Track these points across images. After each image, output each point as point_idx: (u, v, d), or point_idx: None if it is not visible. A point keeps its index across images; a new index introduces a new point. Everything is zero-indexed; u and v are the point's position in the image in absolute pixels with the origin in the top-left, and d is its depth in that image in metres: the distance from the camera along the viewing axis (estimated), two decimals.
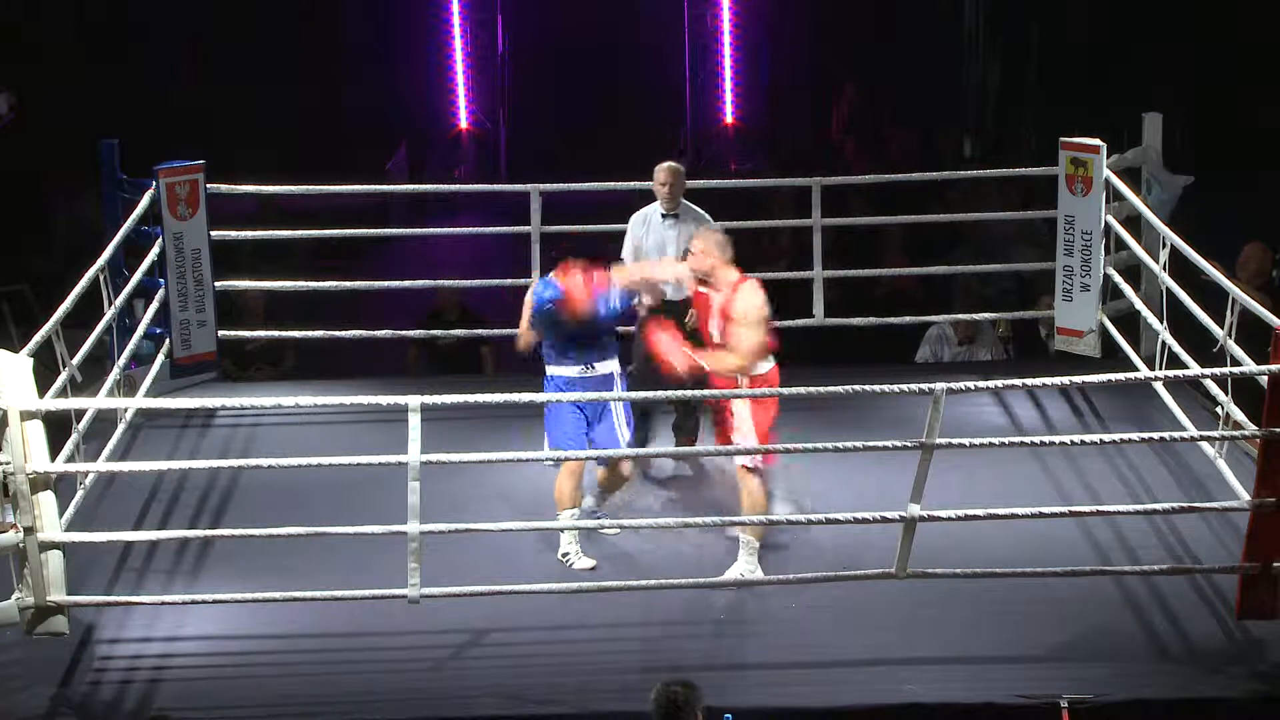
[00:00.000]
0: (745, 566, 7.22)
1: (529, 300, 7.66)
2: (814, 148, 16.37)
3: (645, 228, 8.57)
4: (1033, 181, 11.67)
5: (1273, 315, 7.12)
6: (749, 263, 9.02)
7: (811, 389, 7.14)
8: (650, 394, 7.65)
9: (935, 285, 11.45)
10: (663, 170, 8.57)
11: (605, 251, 8.30)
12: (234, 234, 9.90)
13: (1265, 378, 6.54)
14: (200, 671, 6.67)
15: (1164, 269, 8.70)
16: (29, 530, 6.41)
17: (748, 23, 17.77)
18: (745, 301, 7.27)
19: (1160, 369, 8.46)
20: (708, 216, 8.62)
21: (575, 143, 16.98)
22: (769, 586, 7.03)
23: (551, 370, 7.54)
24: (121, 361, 8.58)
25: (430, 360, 10.94)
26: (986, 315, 10.40)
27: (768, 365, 7.39)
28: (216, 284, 9.50)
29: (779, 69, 17.65)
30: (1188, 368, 8.03)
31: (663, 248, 8.51)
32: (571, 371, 7.49)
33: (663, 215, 8.55)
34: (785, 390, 7.62)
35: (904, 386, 6.96)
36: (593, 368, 7.50)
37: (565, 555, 7.36)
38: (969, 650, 6.69)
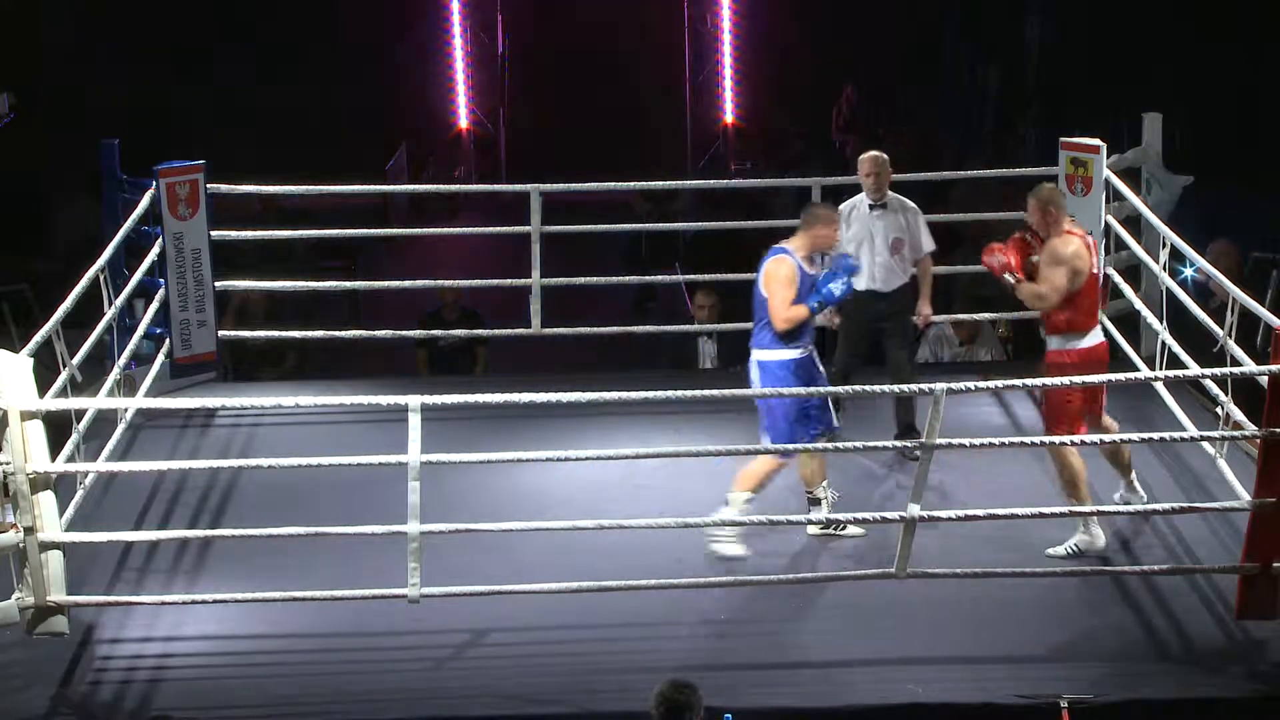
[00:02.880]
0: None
1: (787, 273, 7.40)
2: (814, 148, 16.37)
3: (850, 218, 8.53)
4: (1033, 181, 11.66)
5: (1272, 315, 7.13)
6: (749, 263, 9.06)
7: (811, 389, 7.13)
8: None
9: (936, 285, 11.43)
10: (868, 160, 8.58)
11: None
12: (234, 234, 9.91)
13: (1265, 378, 6.55)
14: (200, 671, 6.67)
15: (1164, 269, 8.71)
16: (29, 530, 6.41)
17: (748, 23, 17.78)
18: (1054, 246, 7.37)
19: (1160, 369, 8.47)
20: (914, 206, 8.65)
21: (575, 143, 16.99)
22: (769, 586, 7.02)
23: (772, 355, 7.44)
24: (121, 361, 8.58)
25: (430, 361, 10.94)
26: (986, 315, 10.39)
27: (1088, 339, 7.45)
28: (216, 284, 9.50)
29: (779, 69, 17.65)
30: (1188, 368, 8.04)
31: (869, 238, 8.51)
32: (796, 353, 7.45)
33: (870, 206, 8.55)
34: (785, 390, 7.63)
35: (904, 386, 6.96)
36: (810, 346, 7.52)
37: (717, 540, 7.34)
38: (969, 650, 6.69)
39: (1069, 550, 7.35)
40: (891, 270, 8.54)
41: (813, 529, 7.53)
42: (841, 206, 8.53)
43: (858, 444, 7.60)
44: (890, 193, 8.59)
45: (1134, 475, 7.75)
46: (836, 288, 7.37)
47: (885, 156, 8.62)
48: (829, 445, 7.51)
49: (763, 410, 7.50)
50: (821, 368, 7.66)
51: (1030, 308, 7.60)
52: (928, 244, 8.67)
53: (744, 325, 9.90)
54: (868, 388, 7.25)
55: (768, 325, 7.44)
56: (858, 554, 7.30)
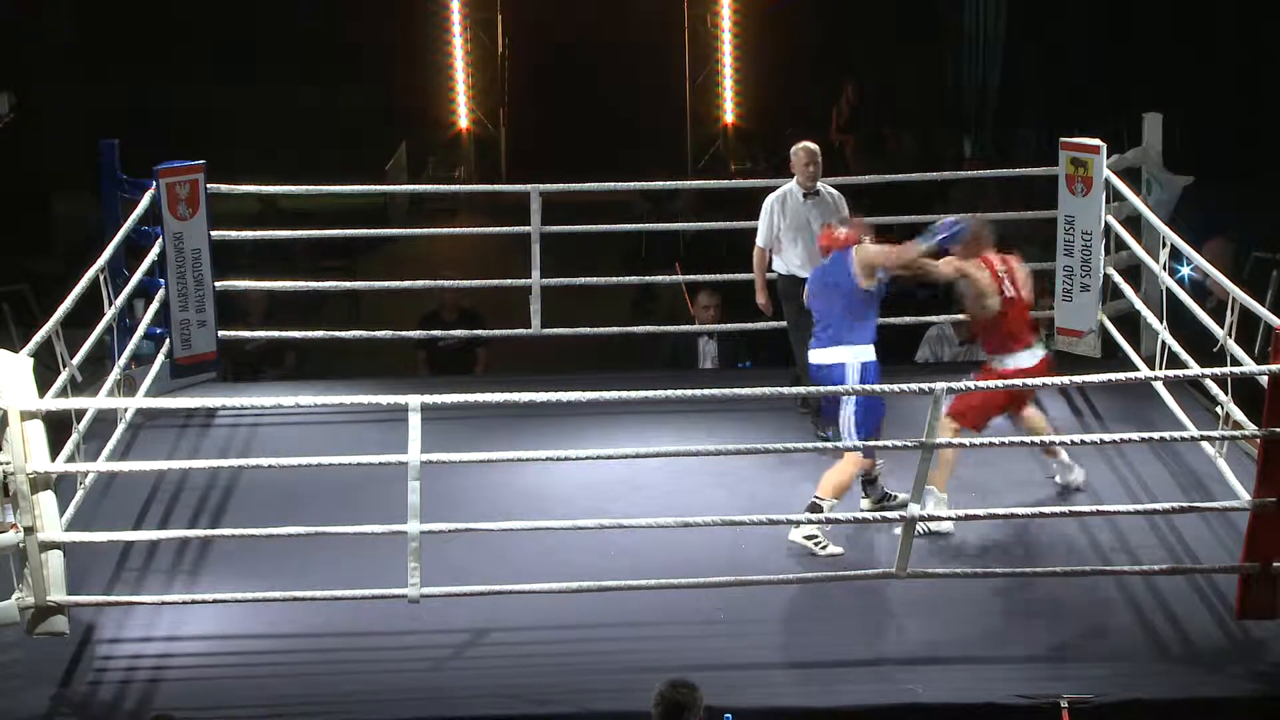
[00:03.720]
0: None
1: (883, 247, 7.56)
2: None
3: (782, 208, 8.71)
4: (1033, 181, 11.66)
5: (1272, 315, 7.13)
6: (747, 264, 9.07)
7: (812, 389, 7.13)
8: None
9: (936, 285, 11.43)
10: (806, 151, 8.75)
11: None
12: (234, 234, 9.91)
13: (1265, 378, 6.55)
14: (200, 671, 6.67)
15: (1164, 269, 8.71)
16: (29, 530, 6.41)
17: (748, 23, 17.77)
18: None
19: (1160, 369, 8.46)
20: (839, 193, 8.84)
21: (575, 143, 16.98)
22: (769, 586, 7.02)
23: (870, 353, 7.51)
24: (121, 361, 8.58)
25: (430, 361, 10.95)
26: None
27: (1020, 359, 7.70)
28: (216, 284, 9.50)
29: (779, 69, 17.64)
30: (1188, 368, 8.03)
31: (805, 226, 8.66)
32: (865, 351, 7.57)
33: (805, 194, 8.70)
34: (786, 390, 7.64)
35: (904, 386, 6.97)
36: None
37: (814, 538, 7.37)
38: (969, 650, 6.68)
39: (926, 529, 7.42)
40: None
41: (795, 535, 7.45)
42: (771, 198, 8.75)
43: (857, 443, 7.60)
44: (818, 182, 8.78)
45: (1064, 455, 7.95)
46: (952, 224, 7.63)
47: (818, 147, 8.85)
48: (827, 445, 7.52)
49: (855, 413, 7.43)
50: None
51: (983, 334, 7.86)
52: None
53: (744, 325, 9.99)
54: (868, 387, 7.23)
55: (861, 318, 7.50)
56: (857, 554, 7.29)
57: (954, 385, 6.65)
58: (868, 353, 7.51)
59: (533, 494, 7.94)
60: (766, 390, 8.14)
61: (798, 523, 7.38)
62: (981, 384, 7.02)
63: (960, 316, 10.37)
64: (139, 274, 8.90)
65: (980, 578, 6.95)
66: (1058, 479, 7.98)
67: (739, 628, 6.90)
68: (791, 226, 8.72)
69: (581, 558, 7.26)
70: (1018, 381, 7.27)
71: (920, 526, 7.25)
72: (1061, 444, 7.97)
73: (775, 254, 8.81)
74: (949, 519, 7.17)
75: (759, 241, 8.83)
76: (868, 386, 7.34)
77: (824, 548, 7.38)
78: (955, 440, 7.36)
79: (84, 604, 6.79)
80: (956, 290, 7.88)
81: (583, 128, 17.36)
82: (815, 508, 7.38)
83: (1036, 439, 7.85)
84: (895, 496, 7.72)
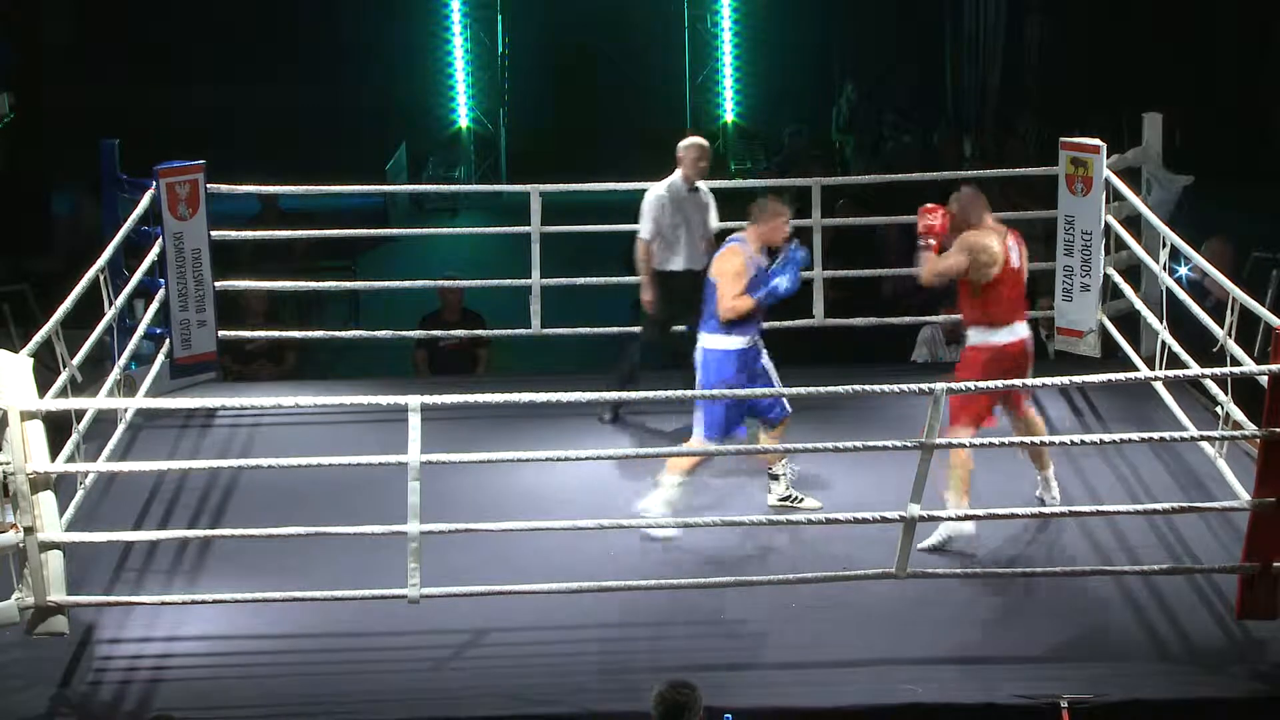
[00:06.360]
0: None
1: (738, 266, 7.58)
2: (814, 148, 16.37)
3: (669, 203, 8.79)
4: (1033, 181, 11.67)
5: (1272, 315, 7.13)
6: None
7: (812, 389, 7.14)
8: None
9: (936, 286, 11.43)
10: (697, 145, 8.87)
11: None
12: (234, 234, 9.90)
13: (1265, 378, 6.55)
14: (200, 671, 6.67)
15: (1164, 269, 8.71)
16: (29, 530, 6.41)
17: (748, 23, 17.78)
18: (965, 235, 7.58)
19: (1160, 369, 8.46)
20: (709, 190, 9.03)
21: (575, 143, 16.98)
22: (768, 586, 7.03)
23: (717, 343, 7.61)
24: (121, 361, 8.58)
25: (430, 361, 10.94)
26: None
27: (1004, 334, 7.60)
28: (216, 284, 9.50)
29: (779, 69, 17.65)
30: (1188, 368, 8.04)
31: (687, 221, 8.80)
32: (741, 342, 7.63)
33: (690, 189, 8.81)
34: (786, 390, 7.64)
35: (904, 386, 6.97)
36: (756, 338, 7.70)
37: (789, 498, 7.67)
38: (969, 650, 6.68)
39: (938, 541, 7.40)
40: (705, 250, 8.72)
41: (772, 499, 7.80)
42: (651, 196, 8.85)
43: (857, 443, 7.60)
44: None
45: (1051, 472, 7.85)
46: (784, 281, 7.58)
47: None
48: (829, 445, 7.52)
49: (704, 404, 7.63)
50: (766, 359, 7.80)
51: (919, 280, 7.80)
52: (715, 225, 9.02)
53: None
54: (867, 387, 7.23)
55: (715, 315, 7.60)
56: (857, 554, 7.29)
57: (954, 385, 6.64)
58: (710, 343, 7.62)
59: (532, 494, 7.94)
60: (766, 390, 8.12)
61: (796, 523, 7.40)
62: (982, 384, 7.02)
63: (956, 317, 10.41)
64: (139, 274, 8.90)
65: (980, 578, 6.95)
66: (1038, 493, 7.89)
67: (739, 628, 6.90)
68: (678, 221, 8.84)
69: (581, 558, 7.26)
70: (1017, 382, 7.26)
71: (938, 538, 7.36)
72: (1061, 444, 7.97)
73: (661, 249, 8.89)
74: (949, 519, 7.16)
75: (644, 235, 8.85)
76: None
77: (799, 501, 7.78)
78: (956, 440, 7.33)
79: (84, 604, 6.79)
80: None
81: (583, 128, 17.37)
82: (775, 476, 7.75)
83: (1034, 438, 7.85)
84: (802, 500, 7.85)
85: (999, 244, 7.55)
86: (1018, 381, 7.32)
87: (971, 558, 7.30)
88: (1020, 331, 7.62)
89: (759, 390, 7.65)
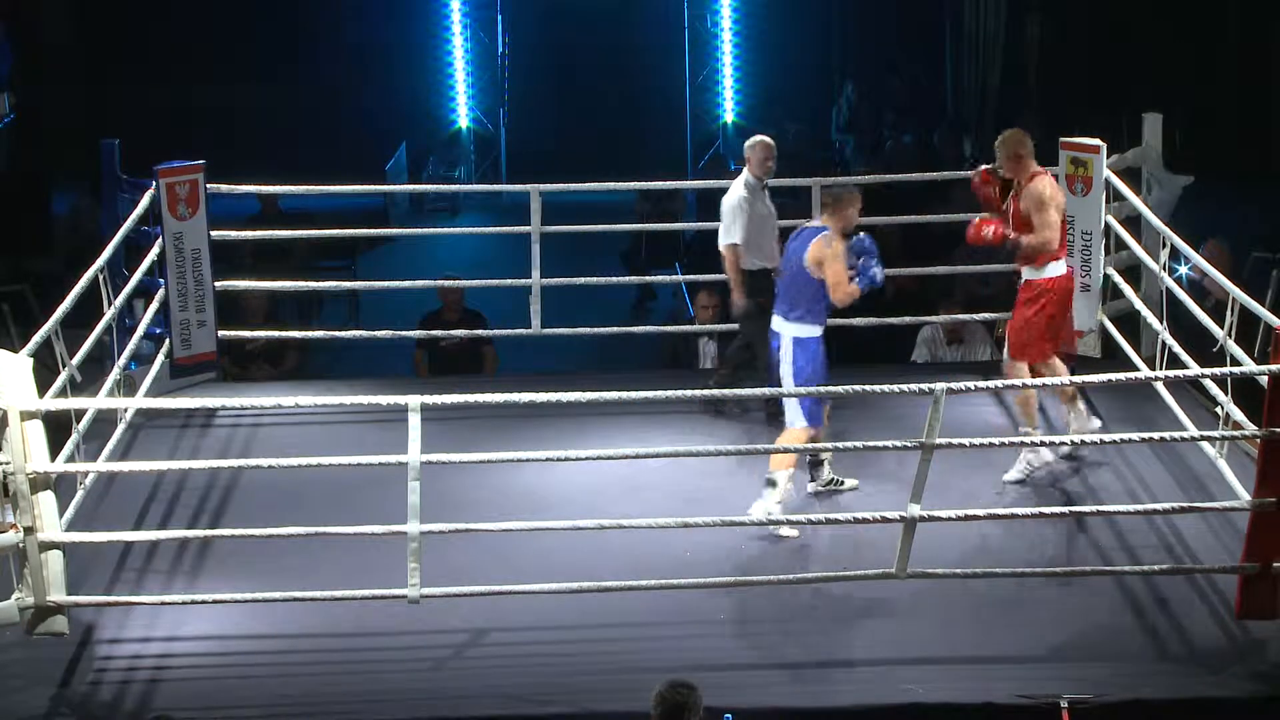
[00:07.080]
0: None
1: (839, 250, 7.59)
2: (814, 148, 16.38)
3: (754, 201, 8.75)
4: None
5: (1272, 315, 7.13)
6: None
7: (812, 389, 7.13)
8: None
9: (936, 284, 11.43)
10: (763, 144, 8.82)
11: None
12: (234, 234, 9.89)
13: (1265, 378, 6.55)
14: (200, 671, 6.67)
15: (1164, 269, 8.71)
16: (29, 530, 6.41)
17: (748, 23, 17.79)
18: (1036, 190, 7.92)
19: (1160, 369, 8.46)
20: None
21: (575, 143, 16.99)
22: (769, 586, 7.02)
23: (811, 331, 7.65)
24: (121, 361, 8.58)
25: (431, 361, 10.94)
26: (985, 315, 10.38)
27: (1060, 267, 7.96)
28: (216, 284, 9.50)
29: (779, 69, 17.66)
30: (1188, 368, 8.03)
31: (765, 219, 8.79)
32: (821, 331, 7.70)
33: (764, 187, 8.82)
34: (786, 391, 7.64)
35: (904, 386, 6.97)
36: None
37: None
38: (969, 650, 6.68)
39: (1021, 473, 7.83)
40: (776, 247, 8.73)
41: (815, 486, 7.97)
42: (735, 197, 8.76)
43: (857, 444, 7.61)
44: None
45: (1079, 402, 8.22)
46: (879, 271, 7.66)
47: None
48: (829, 445, 7.53)
49: (795, 383, 7.63)
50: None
51: (1034, 256, 7.96)
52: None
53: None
54: (867, 387, 7.24)
55: (810, 303, 7.61)
56: (857, 554, 7.29)
57: (954, 385, 6.64)
58: (803, 331, 7.65)
59: (533, 494, 7.93)
60: (767, 390, 8.13)
61: (795, 523, 7.40)
62: (982, 384, 7.00)
63: (959, 317, 10.41)
64: (139, 274, 8.90)
65: (980, 578, 6.95)
66: (1072, 424, 8.19)
67: (739, 628, 6.90)
68: (762, 217, 8.79)
69: (581, 558, 7.25)
70: (1018, 381, 7.26)
71: (1020, 472, 7.76)
72: (1061, 444, 7.96)
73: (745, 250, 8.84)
74: (948, 519, 7.15)
75: (737, 239, 8.77)
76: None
77: (841, 484, 7.93)
78: (955, 440, 7.30)
79: (84, 604, 6.79)
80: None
81: (583, 128, 17.37)
82: (771, 483, 7.62)
83: (1034, 440, 7.86)
84: (843, 482, 7.96)
85: (1055, 182, 7.96)
86: (1018, 381, 7.33)
87: (972, 557, 7.29)
88: (1065, 264, 8.04)
89: (770, 391, 7.78)
